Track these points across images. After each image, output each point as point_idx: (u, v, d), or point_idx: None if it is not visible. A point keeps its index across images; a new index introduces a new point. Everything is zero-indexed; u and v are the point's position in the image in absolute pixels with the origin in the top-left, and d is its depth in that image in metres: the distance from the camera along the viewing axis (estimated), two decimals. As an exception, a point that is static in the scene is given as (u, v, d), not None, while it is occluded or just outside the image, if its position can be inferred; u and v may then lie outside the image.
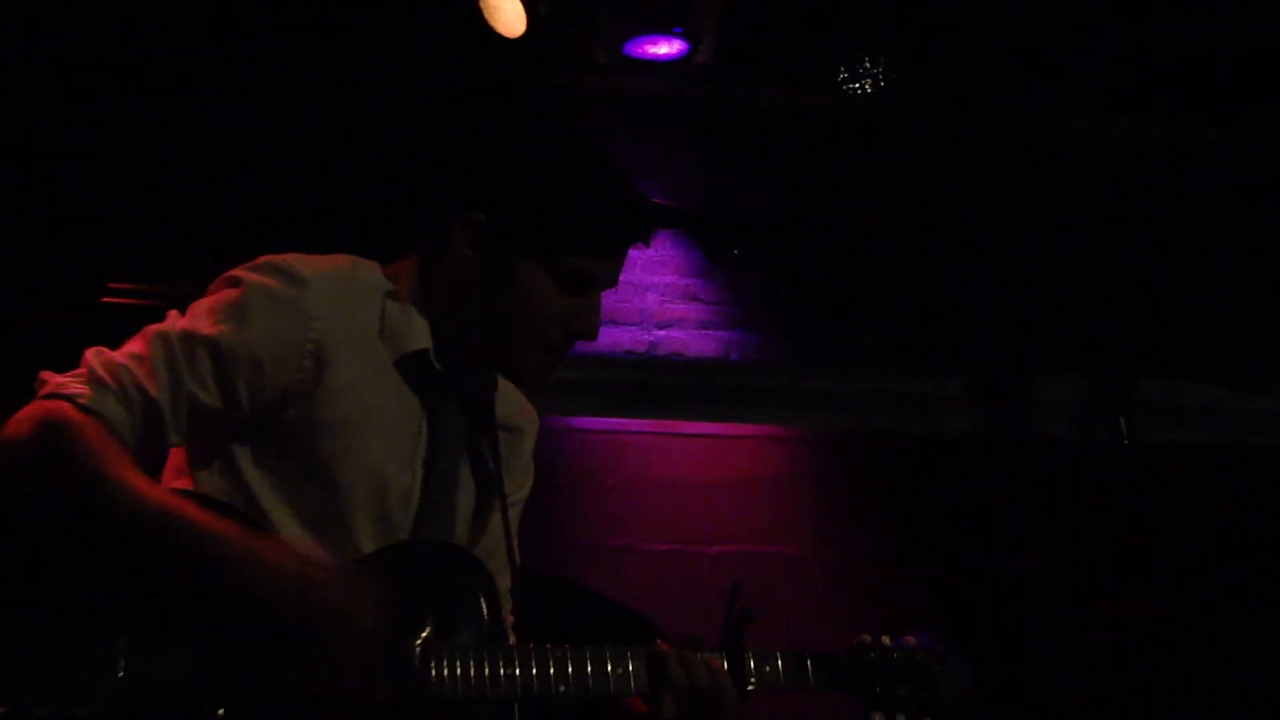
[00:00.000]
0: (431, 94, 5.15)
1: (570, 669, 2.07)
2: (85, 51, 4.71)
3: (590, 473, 5.09)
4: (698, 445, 5.22)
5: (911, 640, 2.32)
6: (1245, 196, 5.68)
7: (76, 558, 1.92)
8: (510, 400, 2.38)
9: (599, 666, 2.10)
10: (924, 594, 4.92)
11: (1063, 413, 4.50)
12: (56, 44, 4.66)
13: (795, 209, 5.40)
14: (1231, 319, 5.43)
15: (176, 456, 2.15)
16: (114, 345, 2.07)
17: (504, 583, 2.26)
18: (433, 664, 2.01)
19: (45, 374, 2.02)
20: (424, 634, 2.04)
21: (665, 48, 4.97)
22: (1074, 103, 5.44)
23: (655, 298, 5.30)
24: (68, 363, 2.04)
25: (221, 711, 1.88)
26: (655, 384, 5.22)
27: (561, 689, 2.06)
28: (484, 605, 2.12)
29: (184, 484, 2.12)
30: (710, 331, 5.32)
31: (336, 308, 2.10)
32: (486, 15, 4.59)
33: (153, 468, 2.12)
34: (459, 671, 2.02)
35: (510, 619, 2.24)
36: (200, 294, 2.14)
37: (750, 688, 2.18)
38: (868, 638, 2.30)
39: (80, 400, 1.95)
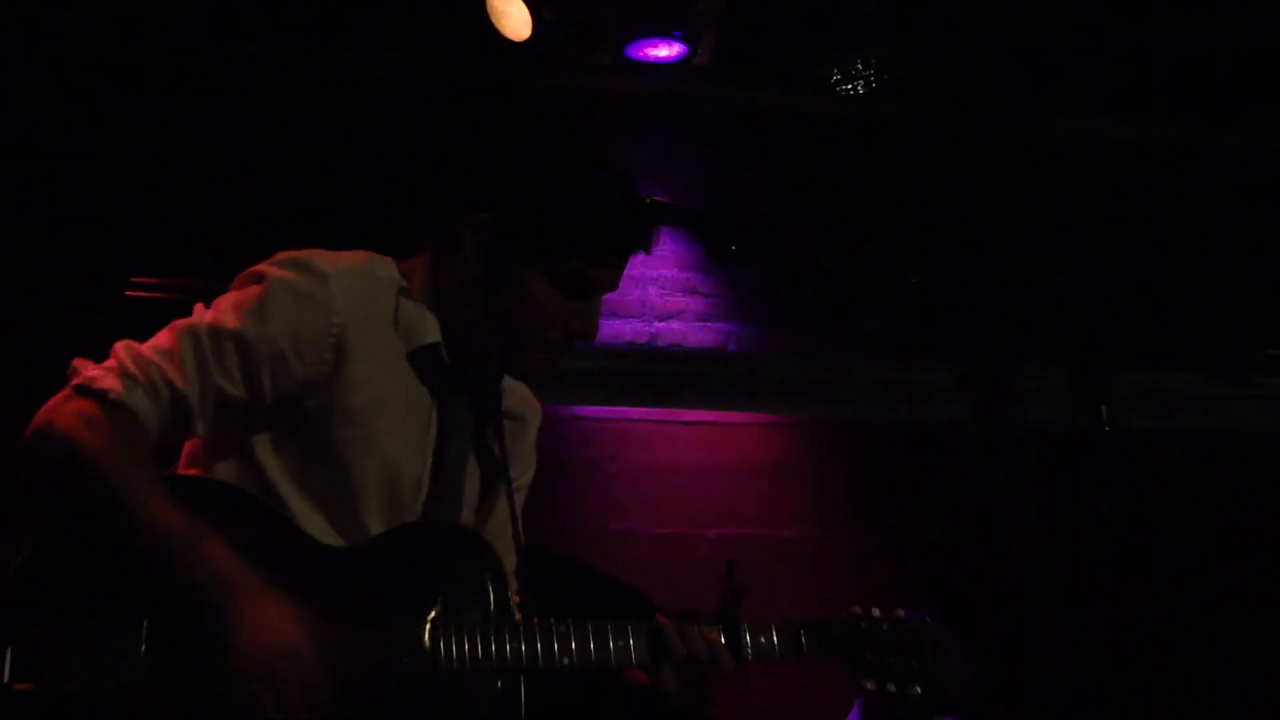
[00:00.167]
0: (442, 96, 5.15)
1: (573, 643, 2.09)
2: (111, 53, 4.72)
3: (594, 459, 5.10)
4: (697, 433, 5.23)
5: (901, 613, 2.34)
6: (1224, 194, 5.67)
7: (96, 547, 1.94)
8: (515, 391, 2.39)
9: (601, 640, 2.12)
10: (915, 574, 4.93)
11: (1048, 401, 4.54)
12: (85, 44, 4.67)
13: (791, 206, 5.40)
14: (1212, 310, 5.42)
15: (193, 442, 2.17)
16: (138, 335, 2.08)
17: (509, 562, 2.27)
18: (442, 640, 2.02)
19: (78, 361, 2.03)
20: (434, 612, 2.05)
21: (665, 50, 4.97)
22: (1065, 103, 5.42)
23: (656, 291, 5.30)
24: (95, 353, 2.05)
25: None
26: (656, 374, 5.23)
27: (565, 662, 2.08)
28: (490, 584, 2.13)
29: (200, 469, 2.13)
30: (709, 323, 5.33)
31: (355, 302, 2.11)
32: (493, 19, 4.59)
33: (171, 451, 2.14)
34: (467, 646, 2.04)
35: (516, 597, 2.26)
36: (222, 288, 2.15)
37: (746, 657, 2.20)
38: (859, 610, 2.32)
39: (111, 395, 1.97)
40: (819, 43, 5.14)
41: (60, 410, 1.96)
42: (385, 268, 2.21)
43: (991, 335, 5.06)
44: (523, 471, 2.43)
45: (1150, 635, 5.06)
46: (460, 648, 2.03)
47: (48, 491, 1.98)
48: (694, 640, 2.13)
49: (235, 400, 2.05)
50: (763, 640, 2.22)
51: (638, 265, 5.31)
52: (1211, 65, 5.15)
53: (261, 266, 2.13)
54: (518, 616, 2.20)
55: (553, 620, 2.11)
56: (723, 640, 2.17)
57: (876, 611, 2.32)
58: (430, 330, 2.18)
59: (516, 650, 2.06)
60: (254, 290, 2.10)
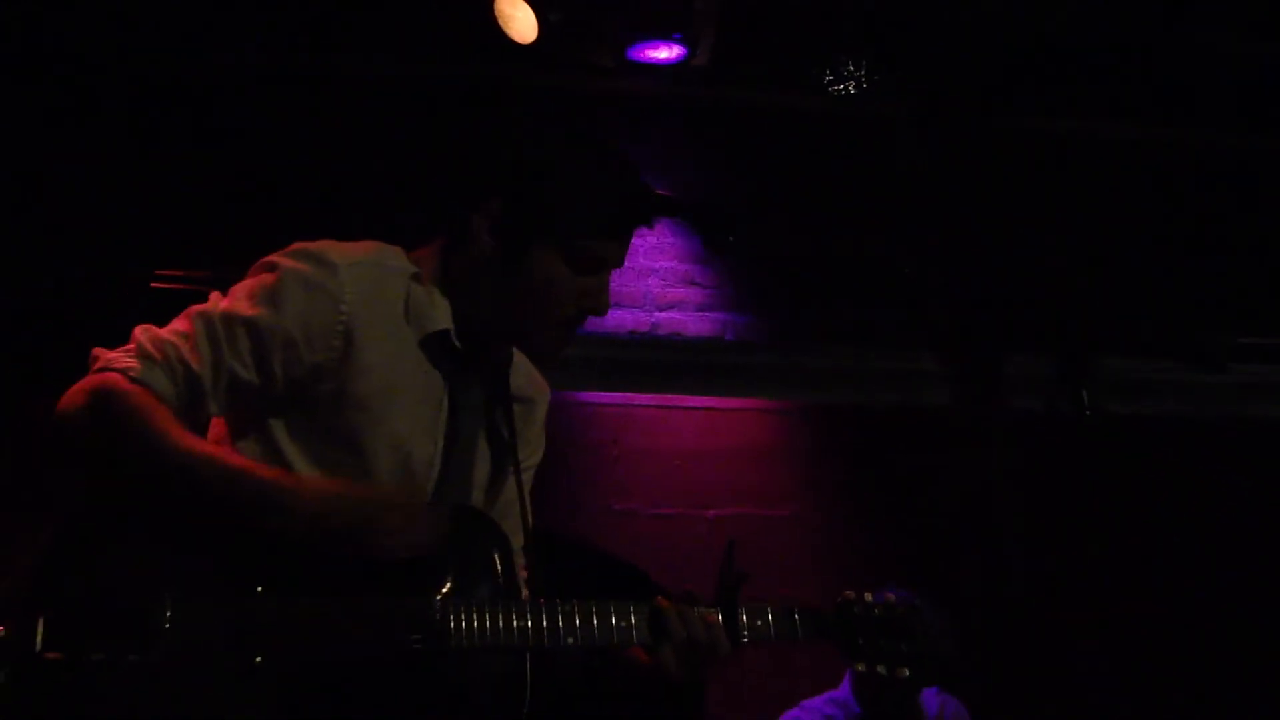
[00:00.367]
0: (451, 96, 5.14)
1: (578, 622, 2.08)
2: (139, 55, 4.71)
3: (598, 443, 5.10)
4: (696, 418, 5.22)
5: (892, 596, 2.33)
6: (1198, 193, 5.66)
7: (128, 517, 1.94)
8: (524, 374, 2.38)
9: (604, 620, 2.10)
10: (903, 551, 4.93)
11: (1030, 386, 4.54)
12: (115, 46, 4.66)
13: (785, 201, 5.39)
14: (1188, 301, 5.42)
15: (217, 427, 2.16)
16: (160, 325, 2.08)
17: (517, 542, 2.25)
18: (451, 617, 2.01)
19: (97, 350, 2.03)
20: (444, 589, 2.04)
21: (665, 52, 4.95)
22: (1062, 104, 5.41)
23: (657, 282, 5.29)
24: (121, 342, 2.05)
25: (259, 659, 1.89)
26: (657, 361, 5.22)
27: (570, 640, 2.07)
28: (499, 563, 2.11)
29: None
30: (707, 313, 5.32)
31: (364, 291, 2.10)
32: (501, 23, 4.57)
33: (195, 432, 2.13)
34: (476, 624, 2.02)
35: (523, 575, 2.25)
36: (239, 280, 2.14)
37: (743, 640, 2.18)
38: (851, 594, 2.30)
39: (131, 373, 1.97)
40: (814, 45, 5.11)
41: (83, 388, 1.97)
42: (396, 257, 2.19)
43: (970, 321, 5.08)
44: (532, 452, 2.41)
45: (1101, 578, 5.08)
46: (469, 625, 2.02)
47: (77, 463, 1.99)
48: (693, 622, 2.12)
49: (247, 383, 2.05)
50: (759, 623, 2.21)
51: (639, 258, 5.35)
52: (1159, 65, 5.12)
53: (275, 257, 2.13)
54: (525, 595, 2.19)
55: (558, 600, 2.09)
56: (721, 622, 2.15)
57: (868, 596, 2.31)
58: (441, 317, 2.17)
59: (523, 628, 2.04)
60: (267, 279, 2.09)
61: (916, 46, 5.01)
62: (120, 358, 2.00)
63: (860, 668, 2.26)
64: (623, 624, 2.11)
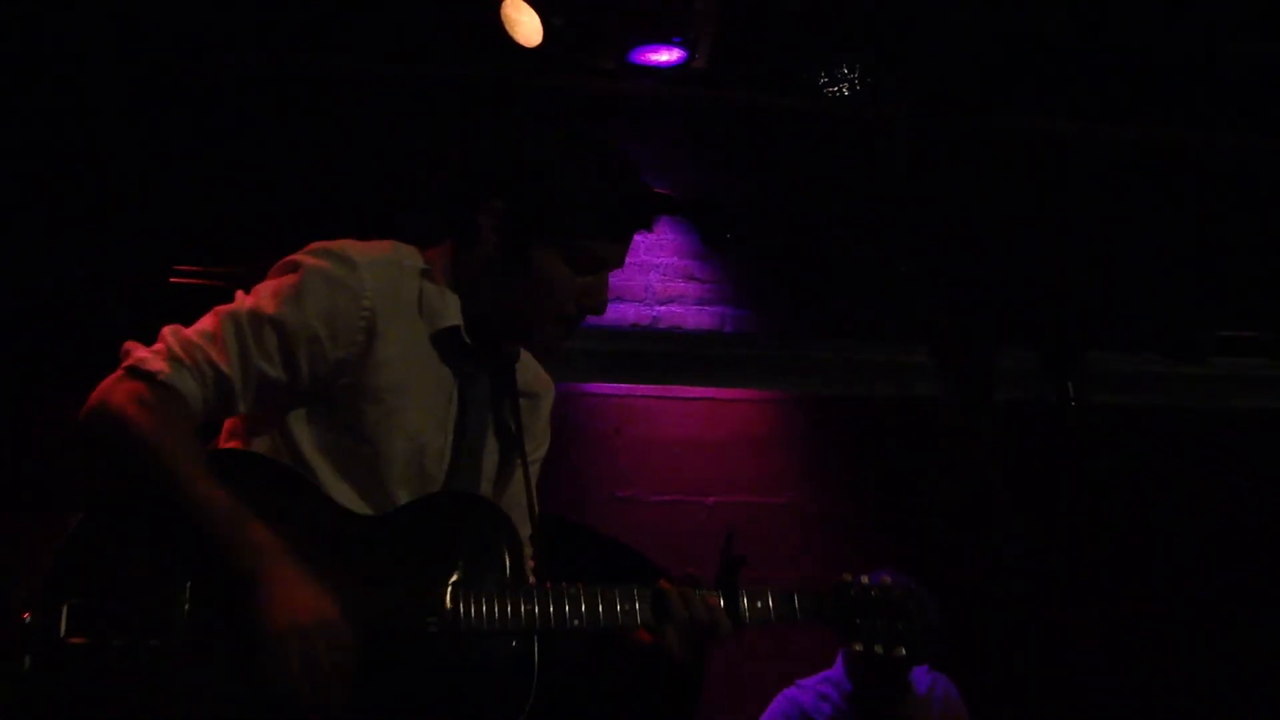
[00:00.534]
0: (458, 98, 5.13)
1: (583, 606, 2.09)
2: (161, 54, 4.70)
3: (601, 433, 5.10)
4: (695, 408, 5.22)
5: (887, 578, 2.34)
6: (1181, 193, 5.65)
7: (146, 515, 1.95)
8: (530, 370, 2.38)
9: (609, 603, 2.11)
10: (896, 537, 4.93)
11: (1019, 379, 4.54)
12: (138, 45, 4.64)
13: (783, 199, 5.38)
14: (1170, 296, 5.41)
15: (232, 418, 2.16)
16: (182, 319, 2.08)
17: (525, 530, 2.26)
18: (462, 602, 2.02)
19: (130, 344, 2.03)
20: (454, 576, 2.05)
21: (665, 55, 4.94)
22: (1043, 106, 5.39)
23: (657, 277, 5.29)
24: (144, 335, 2.05)
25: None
26: (657, 353, 5.22)
27: (576, 623, 2.08)
28: (507, 550, 2.12)
29: (239, 442, 2.13)
30: (706, 307, 5.31)
31: (383, 287, 2.10)
32: (507, 27, 4.56)
33: (212, 426, 2.14)
34: (485, 609, 2.03)
35: (530, 563, 2.25)
36: (259, 275, 2.15)
37: (744, 621, 2.19)
38: (848, 576, 2.31)
39: (160, 377, 1.97)
40: (811, 48, 5.09)
41: (114, 390, 1.97)
42: (410, 256, 2.20)
43: (961, 315, 5.07)
44: (538, 445, 2.42)
45: (1086, 565, 5.07)
46: (479, 609, 2.03)
47: (102, 464, 1.99)
48: (695, 604, 2.12)
49: (275, 381, 2.05)
50: (759, 605, 2.21)
51: (640, 253, 5.34)
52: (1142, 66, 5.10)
53: (296, 256, 2.13)
54: (532, 580, 2.20)
55: (564, 584, 2.10)
56: (722, 605, 2.15)
57: (864, 578, 2.31)
58: (452, 313, 2.17)
59: (531, 612, 2.05)
60: (290, 278, 2.09)
61: (916, 46, 4.99)
62: (152, 359, 1.99)
63: (858, 647, 2.27)
64: (627, 607, 2.12)
